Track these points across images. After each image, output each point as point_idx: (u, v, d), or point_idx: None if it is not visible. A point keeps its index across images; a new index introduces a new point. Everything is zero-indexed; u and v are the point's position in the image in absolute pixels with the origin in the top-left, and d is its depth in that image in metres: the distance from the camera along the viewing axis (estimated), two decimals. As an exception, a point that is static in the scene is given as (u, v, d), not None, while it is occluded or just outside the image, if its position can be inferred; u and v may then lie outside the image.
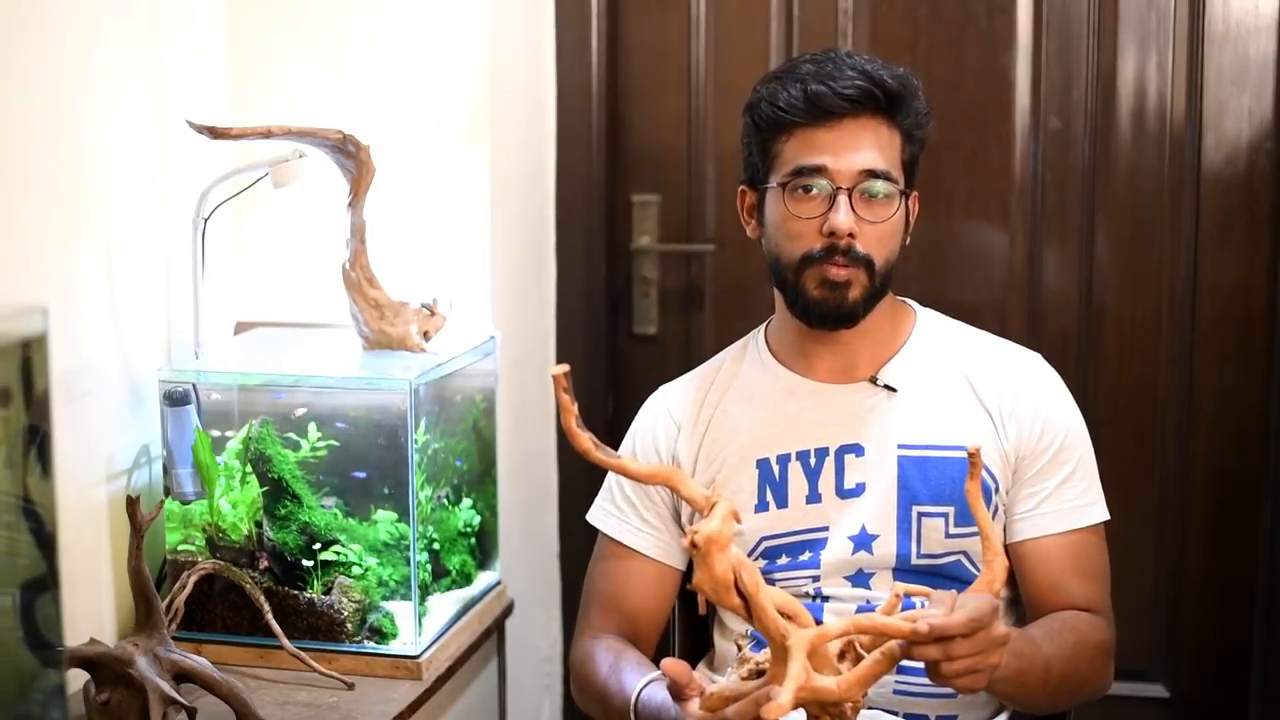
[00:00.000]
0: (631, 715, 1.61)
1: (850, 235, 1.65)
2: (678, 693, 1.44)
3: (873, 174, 1.66)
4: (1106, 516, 1.75)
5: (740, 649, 1.45)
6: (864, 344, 1.75)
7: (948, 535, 1.70)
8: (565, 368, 1.28)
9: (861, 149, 1.67)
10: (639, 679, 1.63)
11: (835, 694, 1.34)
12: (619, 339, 2.67)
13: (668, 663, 1.44)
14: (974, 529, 1.70)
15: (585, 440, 1.28)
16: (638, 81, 2.63)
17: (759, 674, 1.41)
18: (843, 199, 1.66)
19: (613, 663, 1.70)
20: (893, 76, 1.69)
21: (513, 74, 2.38)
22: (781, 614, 1.32)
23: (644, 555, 1.79)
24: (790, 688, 1.28)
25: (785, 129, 1.69)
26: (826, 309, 1.69)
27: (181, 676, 1.60)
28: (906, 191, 1.71)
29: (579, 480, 2.61)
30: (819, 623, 1.38)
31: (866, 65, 1.69)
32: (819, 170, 1.66)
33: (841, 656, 1.38)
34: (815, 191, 1.67)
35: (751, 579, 1.29)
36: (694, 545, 1.26)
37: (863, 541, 1.70)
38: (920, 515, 1.70)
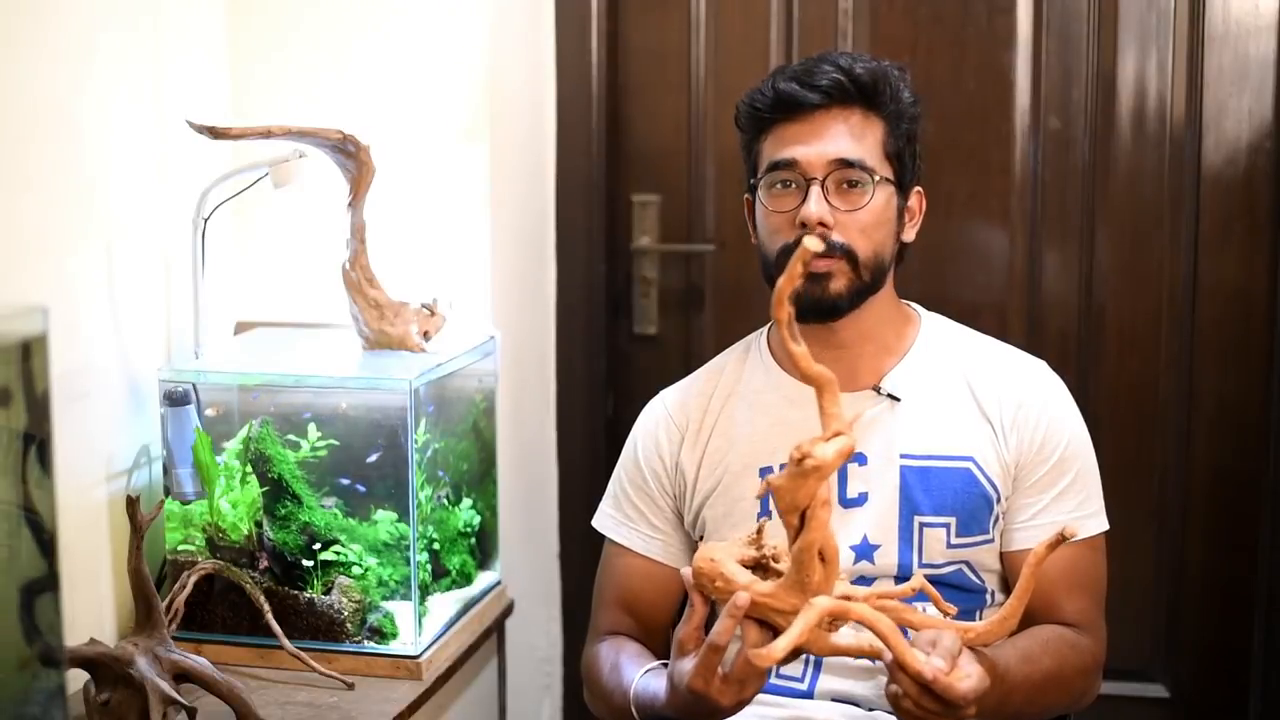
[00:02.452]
0: (631, 708, 1.62)
1: (823, 224, 1.65)
2: (679, 650, 1.46)
3: (845, 163, 1.66)
4: (1105, 528, 1.74)
5: (760, 530, 1.46)
6: (867, 350, 1.74)
7: (949, 545, 1.69)
8: (820, 247, 1.26)
9: (832, 139, 1.66)
10: (637, 670, 1.64)
11: (812, 649, 1.36)
12: (619, 339, 2.67)
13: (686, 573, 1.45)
14: (975, 539, 1.70)
15: (787, 312, 1.27)
16: (638, 82, 2.63)
17: (759, 565, 1.42)
18: (814, 189, 1.65)
19: (614, 661, 1.71)
20: (865, 67, 1.69)
21: (513, 74, 2.38)
22: (820, 553, 1.33)
23: (652, 560, 1.79)
24: (786, 645, 1.30)
25: (763, 128, 1.71)
26: (808, 301, 1.66)
27: (181, 676, 1.60)
28: (895, 181, 1.70)
29: (579, 480, 2.61)
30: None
31: (842, 59, 1.69)
32: (790, 164, 1.67)
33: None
34: (791, 185, 1.67)
35: (822, 517, 1.30)
36: (799, 461, 1.26)
37: (864, 551, 1.69)
38: (922, 525, 1.69)
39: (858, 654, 1.39)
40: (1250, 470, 2.49)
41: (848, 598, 1.40)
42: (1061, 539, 1.39)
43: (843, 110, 1.68)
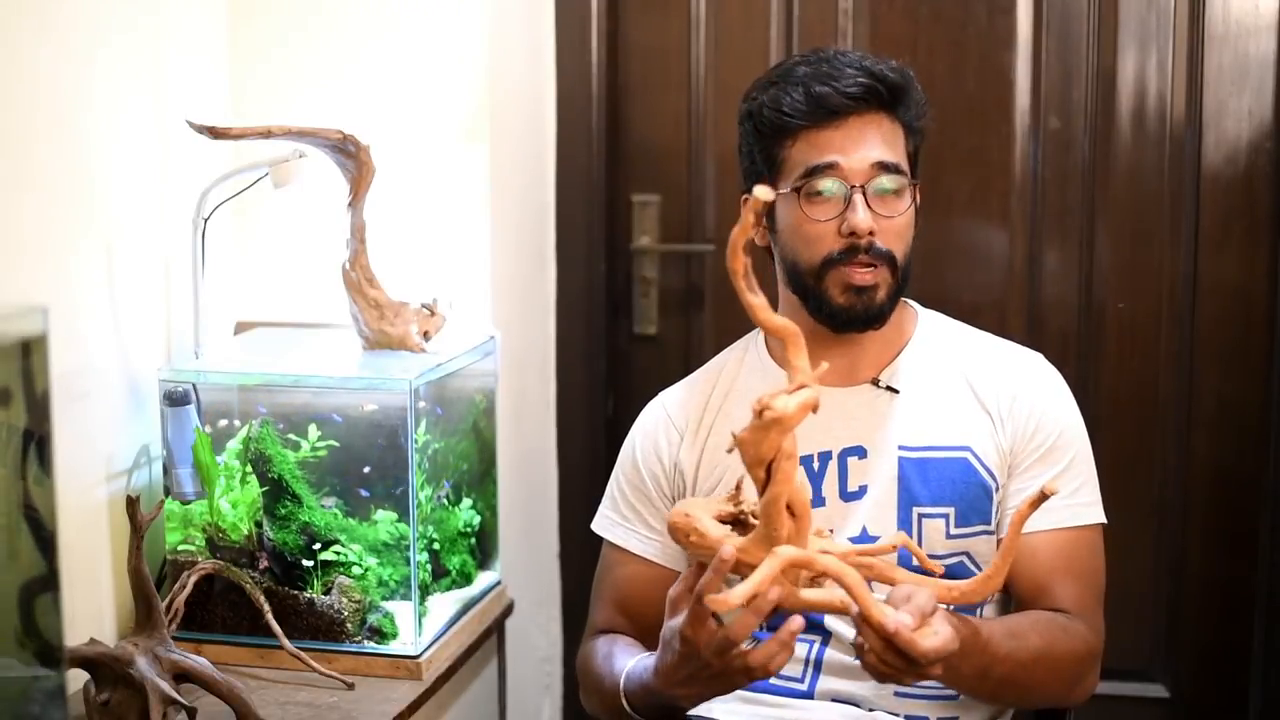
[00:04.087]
0: (621, 698, 1.62)
1: (870, 233, 1.65)
2: (672, 607, 1.45)
3: (884, 167, 1.66)
4: (1100, 519, 1.73)
5: (739, 486, 1.45)
6: (868, 346, 1.74)
7: (948, 536, 1.70)
8: (771, 195, 1.26)
9: (870, 144, 1.66)
10: (629, 659, 1.65)
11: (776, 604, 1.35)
12: (619, 339, 2.67)
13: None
14: (974, 529, 1.70)
15: (741, 263, 1.27)
16: (638, 81, 2.63)
17: (737, 520, 1.42)
18: (858, 198, 1.65)
19: (608, 651, 1.72)
20: (891, 70, 1.69)
21: (513, 74, 2.38)
22: (788, 507, 1.33)
23: (650, 561, 1.79)
24: (746, 590, 1.29)
25: (790, 133, 1.69)
26: (855, 314, 1.68)
27: (181, 676, 1.60)
28: (915, 183, 1.71)
29: (579, 480, 2.61)
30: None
31: (864, 62, 1.69)
32: (831, 168, 1.66)
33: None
34: (829, 193, 1.66)
35: (787, 469, 1.29)
36: (760, 413, 1.26)
37: (863, 543, 1.69)
38: (921, 516, 1.69)
39: (825, 609, 1.38)
40: (1250, 470, 2.49)
41: (826, 553, 1.39)
42: (1043, 496, 1.37)
43: (874, 115, 1.68)
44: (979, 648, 1.53)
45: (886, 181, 1.66)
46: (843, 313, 1.68)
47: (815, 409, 1.29)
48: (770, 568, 1.30)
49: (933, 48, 2.52)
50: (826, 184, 1.66)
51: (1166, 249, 2.48)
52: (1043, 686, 1.68)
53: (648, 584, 1.79)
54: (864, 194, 1.65)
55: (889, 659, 1.38)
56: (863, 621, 1.36)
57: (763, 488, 1.32)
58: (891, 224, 1.67)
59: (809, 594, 1.36)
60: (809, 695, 1.69)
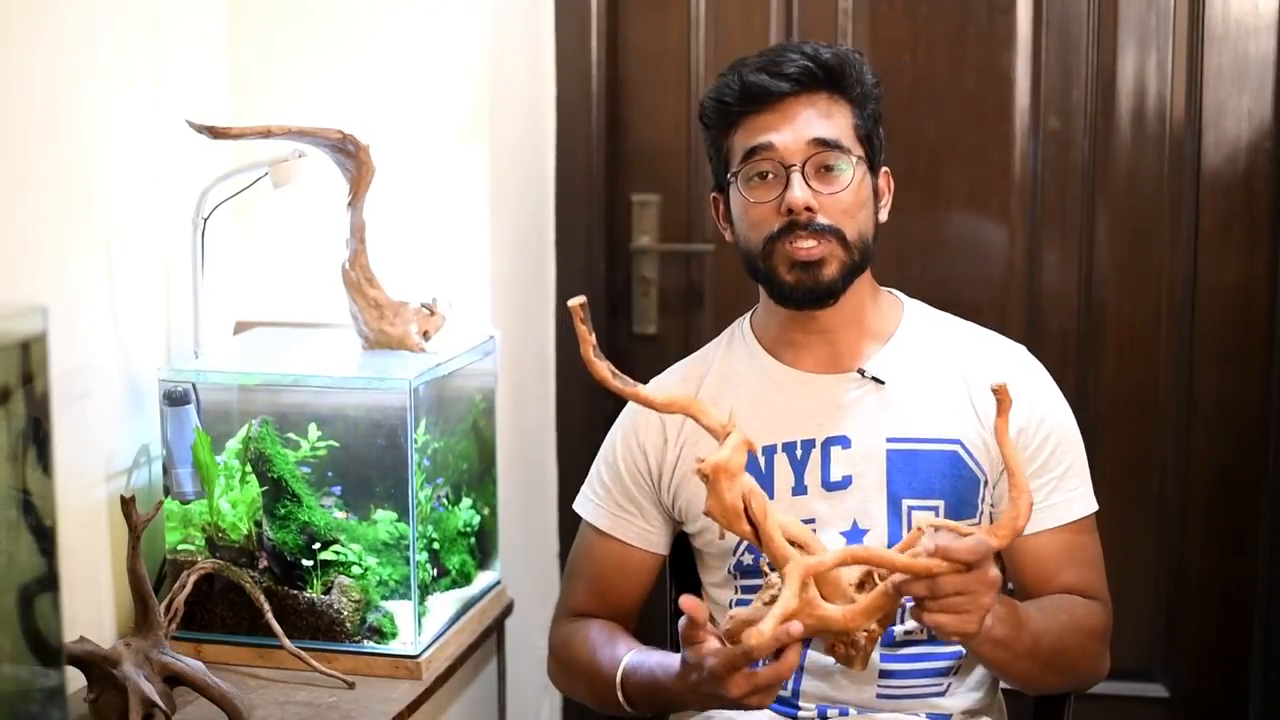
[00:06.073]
0: (618, 690, 1.63)
1: (808, 209, 1.64)
2: (690, 636, 1.45)
3: (822, 143, 1.66)
4: (1094, 509, 1.74)
5: (765, 574, 1.46)
6: (851, 334, 1.74)
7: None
8: (583, 299, 1.26)
9: (805, 122, 1.66)
10: (626, 653, 1.66)
11: (840, 623, 1.36)
12: (619, 339, 2.67)
13: (686, 600, 1.44)
14: (964, 522, 1.70)
15: (603, 369, 1.28)
16: (638, 81, 2.63)
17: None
18: (795, 175, 1.65)
19: (602, 640, 1.72)
20: (830, 52, 1.69)
21: (513, 74, 2.38)
22: (791, 541, 1.33)
23: (623, 541, 1.80)
24: (774, 618, 1.29)
25: (731, 121, 1.70)
26: (803, 290, 1.67)
27: (174, 679, 1.60)
28: (868, 161, 1.70)
29: (578, 480, 2.59)
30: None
31: (805, 46, 1.70)
32: (767, 149, 1.66)
33: (861, 586, 1.39)
34: (770, 175, 1.67)
35: (760, 506, 1.30)
36: (703, 475, 1.26)
37: (855, 537, 1.69)
38: (910, 509, 1.70)
39: (890, 604, 1.38)
40: (1250, 470, 2.49)
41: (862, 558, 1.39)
42: (1000, 396, 1.38)
43: (810, 95, 1.68)
44: (1023, 622, 1.55)
45: (825, 158, 1.66)
46: (793, 290, 1.68)
47: (753, 448, 1.32)
48: (790, 588, 1.30)
49: (933, 48, 2.52)
50: (764, 166, 1.66)
51: (1166, 249, 2.48)
52: (1074, 663, 1.69)
53: (619, 564, 1.80)
54: (802, 172, 1.65)
55: (940, 588, 1.37)
56: (905, 585, 1.37)
57: (756, 538, 1.32)
58: (835, 199, 1.66)
59: (864, 604, 1.36)
60: (794, 698, 1.70)
